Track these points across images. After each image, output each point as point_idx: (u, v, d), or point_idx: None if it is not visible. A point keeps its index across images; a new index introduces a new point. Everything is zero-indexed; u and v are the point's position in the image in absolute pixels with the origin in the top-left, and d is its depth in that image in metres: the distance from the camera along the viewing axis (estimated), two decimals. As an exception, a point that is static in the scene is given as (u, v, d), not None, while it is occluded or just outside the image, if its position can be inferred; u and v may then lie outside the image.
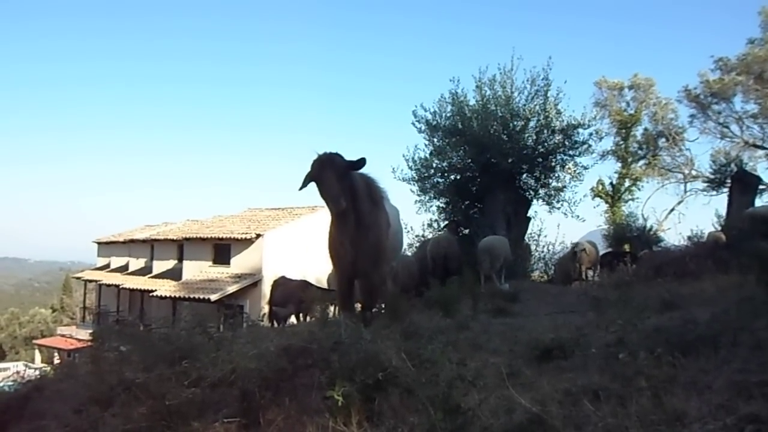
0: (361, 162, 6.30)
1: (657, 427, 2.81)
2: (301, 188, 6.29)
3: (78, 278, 42.51)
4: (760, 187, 21.14)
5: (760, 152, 29.44)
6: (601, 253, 18.74)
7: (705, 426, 2.76)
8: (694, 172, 30.22)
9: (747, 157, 28.98)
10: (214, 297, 23.21)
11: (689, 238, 15.34)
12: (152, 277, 30.01)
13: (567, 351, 4.78)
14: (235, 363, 4.59)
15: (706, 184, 27.13)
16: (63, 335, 36.66)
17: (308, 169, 6.24)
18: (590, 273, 17.00)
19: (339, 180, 6.06)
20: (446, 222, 18.23)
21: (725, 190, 20.08)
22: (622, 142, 30.35)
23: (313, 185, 6.25)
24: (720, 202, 24.27)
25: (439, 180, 18.71)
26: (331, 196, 6.00)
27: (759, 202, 17.99)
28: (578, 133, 18.37)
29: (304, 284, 15.97)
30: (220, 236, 26.30)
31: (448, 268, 13.37)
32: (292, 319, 15.48)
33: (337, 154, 6.23)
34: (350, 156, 6.29)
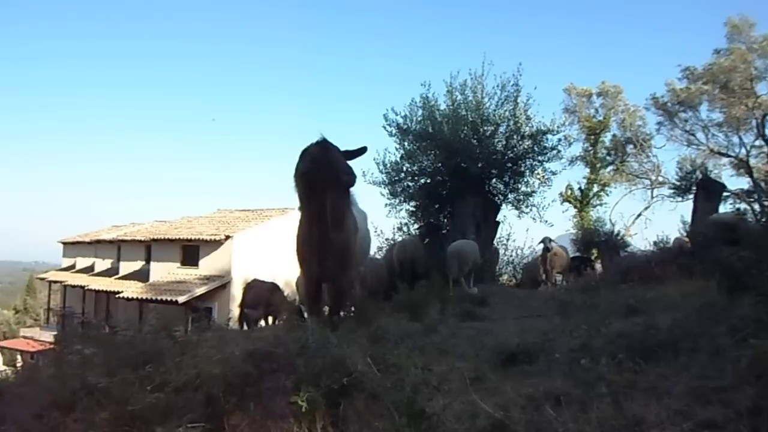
0: (362, 150, 6.31)
1: (617, 433, 2.84)
2: (303, 172, 5.96)
3: (42, 279, 41.80)
4: (725, 194, 21.63)
5: (725, 160, 30.15)
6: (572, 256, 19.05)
7: (663, 431, 2.81)
8: (660, 179, 30.84)
9: (712, 164, 29.70)
10: (182, 299, 22.97)
11: (655, 243, 15.61)
12: (119, 278, 29.57)
13: (532, 356, 4.82)
14: (199, 368, 4.55)
15: (672, 191, 27.62)
16: (26, 337, 35.88)
17: (299, 158, 6.11)
18: (559, 277, 17.22)
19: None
20: (420, 225, 18.35)
21: (691, 196, 20.43)
22: (590, 148, 30.77)
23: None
24: (686, 208, 24.74)
25: (410, 184, 18.79)
26: (346, 168, 5.94)
27: (723, 209, 18.35)
28: (547, 138, 18.59)
29: (274, 287, 15.92)
30: (189, 237, 26.03)
31: (415, 272, 13.40)
32: (263, 322, 15.43)
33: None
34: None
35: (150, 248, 28.59)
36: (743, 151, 29.29)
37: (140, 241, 29.49)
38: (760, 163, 29.05)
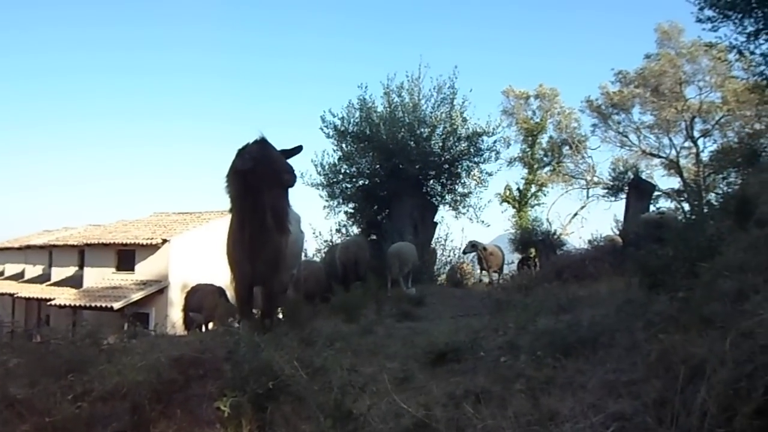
0: (297, 149, 6.29)
1: (532, 428, 2.91)
2: (243, 168, 5.90)
3: (-31, 287, 40.06)
4: (655, 193, 22.43)
5: (657, 161, 31.31)
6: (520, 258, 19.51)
7: (576, 425, 2.89)
8: (595, 179, 31.74)
9: (644, 165, 30.82)
10: (117, 305, 22.32)
11: (589, 241, 16.00)
12: (51, 284, 28.53)
13: (460, 355, 4.88)
14: (123, 375, 4.45)
15: (606, 191, 28.52)
16: (-48, 349, 34.21)
17: (236, 156, 6.07)
18: (495, 276, 17.56)
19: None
20: (363, 223, 18.45)
21: (623, 196, 21.10)
22: (528, 150, 31.46)
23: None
24: (619, 207, 25.54)
25: (348, 185, 18.89)
26: (287, 167, 5.93)
27: (654, 208, 19.01)
28: (483, 140, 18.99)
29: (219, 291, 15.64)
30: (124, 242, 25.32)
31: (357, 273, 13.42)
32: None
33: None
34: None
35: (83, 253, 27.69)
36: (673, 152, 30.52)
37: (73, 246, 28.53)
38: (689, 164, 30.22)
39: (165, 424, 4.32)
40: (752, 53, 11.38)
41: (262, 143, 5.98)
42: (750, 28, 10.88)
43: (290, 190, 6.30)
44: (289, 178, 5.94)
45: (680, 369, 2.81)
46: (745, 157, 9.05)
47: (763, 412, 2.49)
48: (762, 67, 11.05)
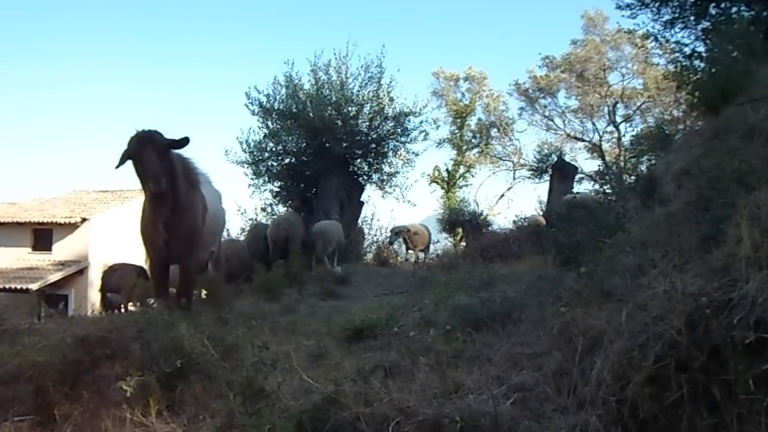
0: (184, 141, 6.08)
1: (437, 399, 2.94)
2: (117, 166, 5.94)
3: None
4: (578, 176, 23.12)
5: (581, 144, 32.19)
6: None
7: (479, 396, 2.94)
8: (522, 161, 32.37)
9: (569, 148, 31.63)
10: (33, 286, 21.44)
11: (514, 222, 16.34)
12: (-40, 265, 27.11)
13: (376, 331, 4.91)
14: (23, 357, 4.27)
15: (531, 172, 29.18)
16: None
17: (125, 146, 5.94)
18: (421, 255, 17.76)
19: (159, 159, 5.79)
20: (291, 201, 18.33)
21: (548, 177, 21.63)
22: (457, 131, 31.84)
23: (130, 164, 5.95)
24: (544, 188, 26.21)
25: (274, 163, 18.72)
26: (151, 175, 5.71)
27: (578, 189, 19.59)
28: (410, 120, 19.15)
29: (138, 270, 15.20)
30: (41, 220, 24.26)
31: (288, 251, 13.27)
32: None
33: (156, 132, 5.97)
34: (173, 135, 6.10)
35: (-4, 233, 26.41)
36: (596, 136, 31.46)
37: (-15, 225, 27.17)
38: (611, 147, 31.23)
39: (70, 406, 4.18)
40: (668, 41, 11.79)
41: (139, 141, 5.85)
42: (666, 17, 11.25)
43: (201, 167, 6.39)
44: (150, 187, 5.78)
45: (579, 341, 2.90)
46: (659, 140, 9.45)
47: (653, 380, 2.59)
48: (677, 55, 11.45)
